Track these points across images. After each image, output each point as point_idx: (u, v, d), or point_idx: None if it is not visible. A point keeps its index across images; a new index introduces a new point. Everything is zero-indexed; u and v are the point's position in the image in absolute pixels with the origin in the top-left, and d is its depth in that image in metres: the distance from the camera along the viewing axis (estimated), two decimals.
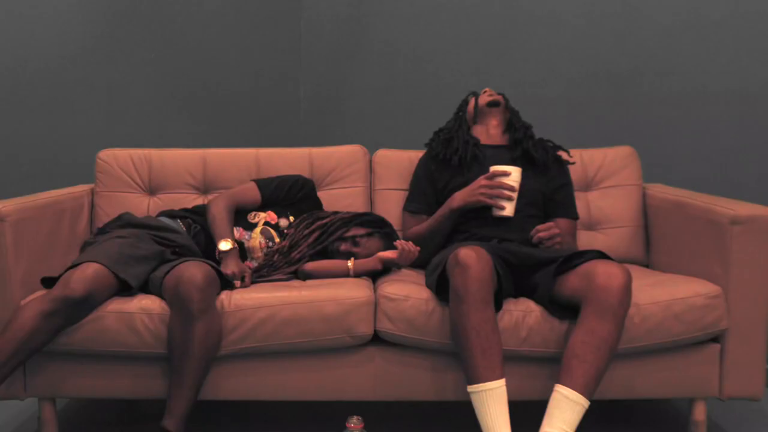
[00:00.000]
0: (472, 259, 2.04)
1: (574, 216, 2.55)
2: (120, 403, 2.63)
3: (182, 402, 2.08)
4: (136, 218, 2.46)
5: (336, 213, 2.55)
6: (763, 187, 3.06)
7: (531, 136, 2.55)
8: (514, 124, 2.57)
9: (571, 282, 2.12)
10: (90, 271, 2.11)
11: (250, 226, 2.49)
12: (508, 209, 2.32)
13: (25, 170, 3.17)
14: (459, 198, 2.39)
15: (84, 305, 2.10)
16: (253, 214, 2.53)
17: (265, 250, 2.46)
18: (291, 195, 2.57)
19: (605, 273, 2.04)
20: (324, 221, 2.49)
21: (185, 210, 2.56)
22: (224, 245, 2.34)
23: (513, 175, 2.32)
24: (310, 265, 2.41)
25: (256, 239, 2.46)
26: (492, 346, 2.02)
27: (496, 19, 3.20)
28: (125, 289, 2.21)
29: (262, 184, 2.56)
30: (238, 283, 2.27)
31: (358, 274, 2.40)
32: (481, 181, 2.34)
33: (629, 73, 3.15)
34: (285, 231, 2.51)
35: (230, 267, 2.30)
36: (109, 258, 2.17)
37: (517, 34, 3.18)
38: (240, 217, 2.51)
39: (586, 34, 3.17)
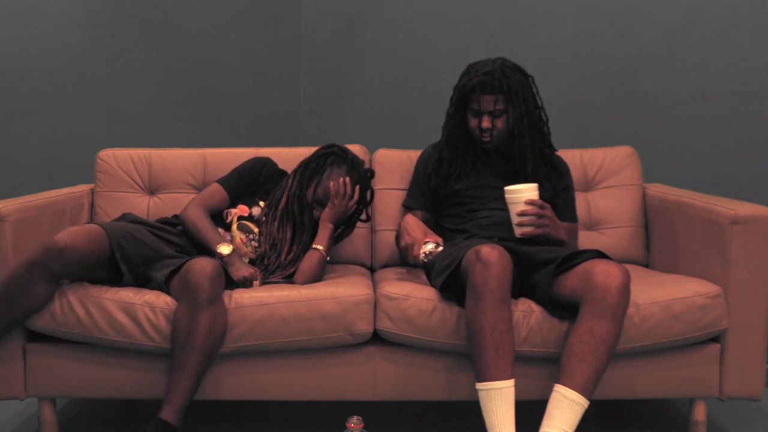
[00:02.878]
0: (494, 256, 2.03)
1: (574, 219, 2.55)
2: (120, 403, 2.63)
3: (181, 392, 2.07)
4: (139, 218, 2.47)
5: (288, 179, 2.51)
6: (763, 187, 3.06)
7: (525, 158, 2.43)
8: (515, 149, 2.45)
9: (570, 282, 2.12)
10: (80, 226, 2.17)
11: (228, 226, 2.48)
12: (528, 228, 2.27)
13: (25, 170, 3.17)
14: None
15: (64, 254, 2.08)
16: (225, 212, 2.51)
17: (247, 244, 2.45)
18: (254, 180, 2.54)
19: (603, 272, 2.04)
20: (283, 203, 2.46)
21: (176, 217, 2.53)
22: (225, 249, 2.33)
23: (530, 193, 2.27)
24: (299, 279, 2.38)
25: (236, 237, 2.46)
26: (505, 346, 2.02)
27: (496, 19, 3.20)
28: (116, 279, 2.25)
29: (223, 181, 2.52)
30: (256, 283, 2.28)
31: (331, 249, 2.46)
32: (412, 255, 2.30)
33: (629, 72, 3.16)
34: (261, 219, 2.49)
35: (242, 270, 2.29)
36: (109, 225, 2.22)
37: (517, 34, 3.18)
38: (217, 219, 2.49)
39: (586, 34, 3.17)
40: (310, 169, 2.47)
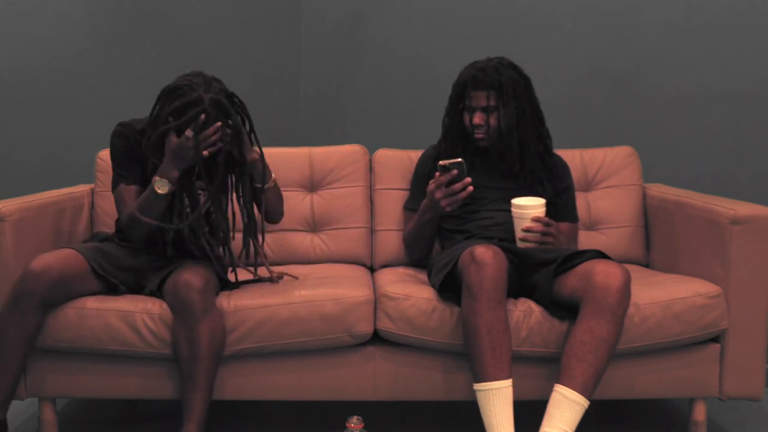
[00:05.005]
0: (488, 257, 2.03)
1: (574, 220, 2.54)
2: (120, 403, 2.63)
3: (199, 404, 2.08)
4: (110, 235, 2.44)
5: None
6: (763, 187, 3.06)
7: (514, 156, 2.42)
8: (505, 152, 2.44)
9: (570, 282, 2.12)
10: (51, 252, 2.16)
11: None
12: (531, 243, 2.22)
13: (25, 170, 3.17)
14: (428, 211, 2.35)
15: (43, 277, 2.08)
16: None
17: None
18: (128, 159, 2.25)
19: (604, 272, 2.04)
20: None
21: (121, 232, 2.42)
22: (161, 185, 2.11)
23: (537, 210, 2.20)
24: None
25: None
26: (502, 346, 2.02)
27: (496, 18, 3.20)
28: (112, 289, 2.24)
29: (119, 177, 2.26)
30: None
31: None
32: (435, 194, 2.27)
33: (629, 72, 3.15)
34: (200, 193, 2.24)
35: (178, 156, 2.09)
36: (79, 246, 2.22)
37: (517, 34, 3.18)
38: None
39: (586, 34, 3.17)
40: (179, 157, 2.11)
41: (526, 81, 2.43)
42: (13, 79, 3.14)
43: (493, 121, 2.39)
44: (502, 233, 2.38)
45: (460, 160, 2.25)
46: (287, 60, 3.31)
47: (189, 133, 2.07)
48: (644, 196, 2.75)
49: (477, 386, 2.04)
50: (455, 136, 2.49)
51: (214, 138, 2.09)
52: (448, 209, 2.29)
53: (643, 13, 3.13)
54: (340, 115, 3.32)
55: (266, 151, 2.78)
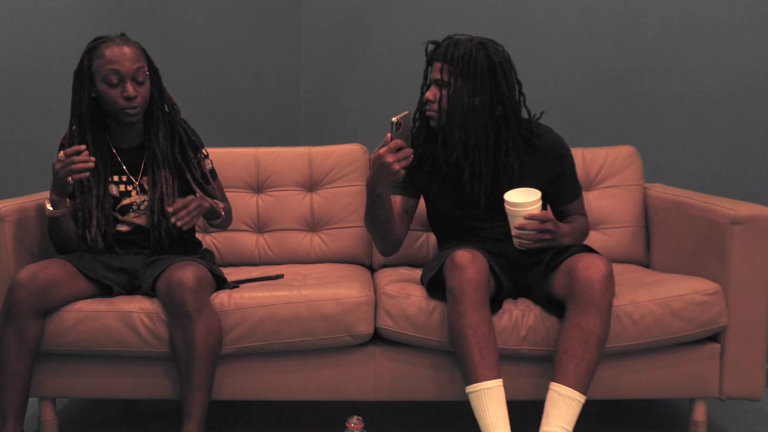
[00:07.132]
0: (467, 260, 2.04)
1: (578, 195, 2.39)
2: (120, 403, 2.63)
3: (198, 403, 2.08)
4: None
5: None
6: (763, 187, 3.06)
7: (454, 140, 2.22)
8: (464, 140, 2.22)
9: (558, 280, 2.13)
10: (39, 262, 2.15)
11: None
12: (526, 242, 2.16)
13: (25, 170, 3.17)
14: (378, 183, 2.09)
15: (29, 286, 2.07)
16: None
17: (141, 214, 2.33)
18: None
19: (584, 267, 2.04)
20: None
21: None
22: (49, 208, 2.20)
23: (530, 207, 2.13)
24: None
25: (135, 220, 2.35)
26: (489, 346, 2.02)
27: (496, 19, 3.20)
28: (107, 293, 2.24)
29: None
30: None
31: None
32: (386, 158, 2.00)
33: (630, 73, 3.16)
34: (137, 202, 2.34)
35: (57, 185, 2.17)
36: (68, 256, 2.22)
37: (518, 34, 3.18)
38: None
39: (586, 35, 3.17)
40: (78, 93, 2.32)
41: (492, 64, 2.18)
42: (13, 79, 3.14)
43: (444, 98, 2.20)
44: (500, 232, 2.33)
45: (407, 112, 2.06)
46: (287, 60, 3.31)
47: (61, 154, 2.15)
48: (645, 196, 2.74)
49: (468, 388, 2.03)
50: (423, 116, 2.32)
51: (80, 165, 2.12)
52: (402, 172, 2.03)
53: (643, 13, 3.13)
54: (340, 115, 3.32)
55: (266, 151, 2.80)
